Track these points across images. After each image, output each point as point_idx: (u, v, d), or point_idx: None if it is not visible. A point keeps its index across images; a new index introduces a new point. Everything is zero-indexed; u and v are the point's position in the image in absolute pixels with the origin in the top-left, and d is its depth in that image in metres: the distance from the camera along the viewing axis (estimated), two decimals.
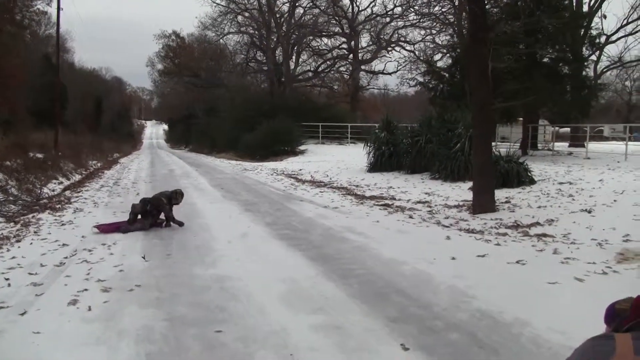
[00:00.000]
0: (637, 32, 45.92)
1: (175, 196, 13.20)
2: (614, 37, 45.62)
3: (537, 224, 12.09)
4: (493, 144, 15.60)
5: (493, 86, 15.17)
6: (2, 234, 12.53)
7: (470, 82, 16.84)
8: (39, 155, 29.21)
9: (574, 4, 34.37)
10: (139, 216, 12.64)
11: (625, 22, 45.61)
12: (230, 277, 8.27)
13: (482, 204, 13.88)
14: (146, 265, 9.27)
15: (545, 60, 27.54)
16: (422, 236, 11.43)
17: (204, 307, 6.95)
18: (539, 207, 13.94)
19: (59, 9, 39.07)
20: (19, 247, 10.88)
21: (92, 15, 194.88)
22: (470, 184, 16.55)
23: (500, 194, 15.27)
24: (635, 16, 44.92)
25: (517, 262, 8.82)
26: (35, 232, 12.64)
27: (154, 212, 12.83)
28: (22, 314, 6.79)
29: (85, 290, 7.73)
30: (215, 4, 62.66)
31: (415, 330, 6.10)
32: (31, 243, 11.37)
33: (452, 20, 46.69)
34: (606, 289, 7.08)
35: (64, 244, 10.94)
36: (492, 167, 14.82)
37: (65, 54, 70.08)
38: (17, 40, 43.82)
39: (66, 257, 9.87)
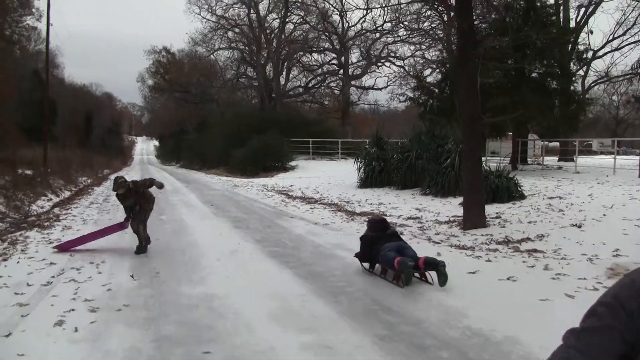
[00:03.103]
0: (623, 47, 46.56)
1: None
2: (600, 52, 46.39)
3: (528, 239, 12.05)
4: (483, 158, 15.59)
5: (482, 101, 15.14)
6: None
7: (460, 97, 16.84)
8: (28, 172, 29.10)
9: (562, 20, 34.66)
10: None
11: (611, 37, 46.41)
12: (218, 295, 8.20)
13: (473, 219, 13.84)
14: (135, 284, 9.17)
15: (534, 75, 27.66)
16: None
17: (192, 326, 6.87)
18: (530, 222, 13.90)
19: (48, 24, 39.08)
20: (5, 266, 10.76)
21: (82, 31, 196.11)
22: (460, 199, 16.50)
23: (490, 209, 15.23)
24: (620, 32, 45.57)
25: (508, 278, 8.77)
26: (22, 250, 12.51)
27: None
28: (7, 336, 6.68)
29: (72, 310, 7.63)
30: (205, 20, 63.20)
31: (405, 348, 6.03)
32: (18, 262, 11.24)
33: (441, 35, 46.73)
34: None
35: (51, 263, 10.83)
36: (482, 182, 14.78)
37: (55, 69, 70.32)
38: (6, 56, 43.78)
39: (53, 276, 9.77)
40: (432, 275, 8.63)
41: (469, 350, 5.94)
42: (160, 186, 12.49)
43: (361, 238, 10.06)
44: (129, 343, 6.35)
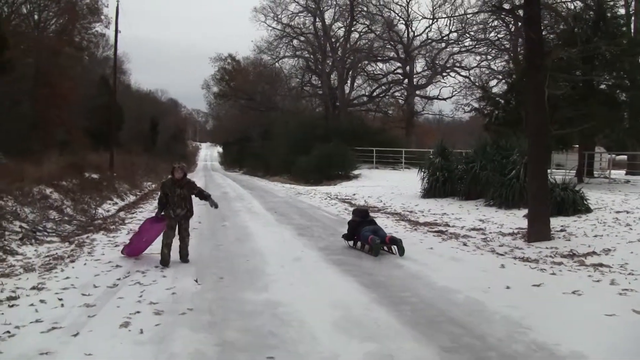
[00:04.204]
0: None
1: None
2: None
3: (594, 253, 11.85)
4: (548, 171, 15.37)
5: (549, 113, 14.96)
6: (56, 253, 12.70)
7: (526, 109, 16.67)
8: (95, 176, 29.60)
9: (632, 31, 33.92)
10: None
11: None
12: (282, 302, 8.24)
13: (537, 232, 13.66)
14: (198, 288, 9.27)
15: (602, 87, 27.16)
16: (476, 264, 11.27)
17: (256, 332, 6.93)
18: (595, 236, 13.68)
19: (116, 31, 39.74)
20: (73, 267, 10.99)
21: (148, 38, 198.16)
22: (525, 211, 16.32)
23: (555, 222, 15.01)
24: None
25: (573, 292, 8.65)
26: (89, 252, 12.77)
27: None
28: (75, 335, 6.84)
29: (138, 312, 7.76)
30: (271, 28, 63.30)
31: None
32: (85, 264, 11.48)
33: (507, 46, 46.62)
34: None
35: (117, 265, 11.02)
36: (548, 195, 14.60)
37: (122, 75, 71.28)
38: (75, 62, 44.62)
39: (119, 279, 9.94)
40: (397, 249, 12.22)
41: None
42: (215, 205, 12.20)
43: (348, 223, 13.79)
44: (193, 347, 6.43)
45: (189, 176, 12.94)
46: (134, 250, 12.11)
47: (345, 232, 13.88)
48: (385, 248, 12.52)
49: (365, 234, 12.64)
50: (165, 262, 11.13)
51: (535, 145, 14.05)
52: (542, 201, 13.90)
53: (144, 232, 12.05)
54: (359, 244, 13.16)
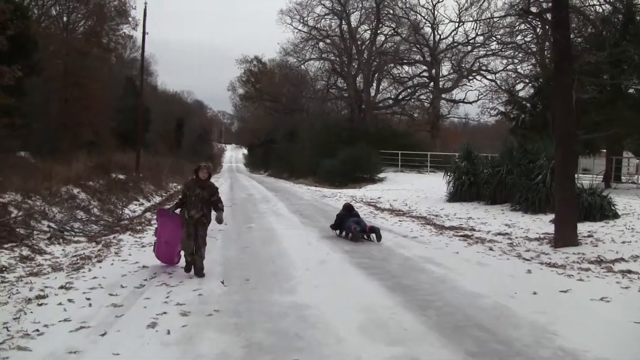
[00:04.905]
0: None
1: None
2: None
3: (622, 259, 11.75)
4: (575, 176, 15.26)
5: (576, 117, 14.86)
6: (84, 253, 12.81)
7: (553, 113, 16.57)
8: (121, 177, 29.76)
9: None
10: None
11: None
12: (308, 305, 8.27)
13: (564, 237, 13.57)
14: (225, 290, 9.33)
15: (631, 91, 26.98)
16: (502, 269, 11.23)
17: (282, 335, 6.96)
18: (623, 242, 13.58)
19: (144, 33, 39.84)
20: (100, 267, 11.08)
21: (175, 40, 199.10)
22: (551, 216, 16.22)
23: (582, 228, 14.90)
24: None
25: (601, 299, 8.59)
26: (116, 252, 12.89)
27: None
28: (103, 335, 6.91)
29: (165, 313, 7.82)
30: (297, 31, 63.37)
31: None
32: (112, 264, 11.58)
33: (534, 49, 46.28)
34: None
35: (144, 266, 11.10)
36: (575, 200, 14.50)
37: (148, 77, 71.63)
38: (102, 63, 44.90)
39: (146, 280, 10.02)
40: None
41: None
42: (220, 221, 11.04)
43: (337, 215, 16.40)
44: (219, 348, 6.48)
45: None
46: (161, 254, 11.46)
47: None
48: (366, 236, 15.07)
49: (349, 224, 15.24)
50: (189, 268, 10.63)
51: (562, 149, 13.97)
52: (569, 206, 13.81)
53: (161, 230, 11.36)
54: (344, 233, 15.69)
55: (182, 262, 11.00)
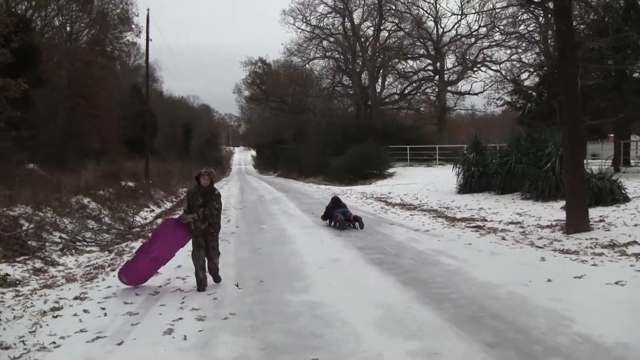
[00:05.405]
0: None
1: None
2: None
3: (635, 242, 11.69)
4: (584, 161, 15.20)
5: (582, 103, 14.78)
6: (97, 263, 12.84)
7: (559, 101, 16.51)
8: (131, 184, 29.83)
9: None
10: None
11: None
12: (323, 304, 8.27)
13: (576, 223, 13.53)
14: (239, 292, 9.33)
15: (635, 75, 26.87)
16: (516, 258, 11.20)
17: (298, 334, 6.96)
18: (635, 225, 13.51)
19: (147, 40, 39.80)
20: (114, 276, 11.02)
21: (177, 45, 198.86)
22: (562, 203, 16.15)
23: (593, 213, 14.84)
24: None
25: (616, 282, 8.56)
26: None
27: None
28: (119, 344, 6.91)
29: (180, 319, 7.82)
30: (300, 30, 63.37)
31: (514, 355, 5.96)
32: None
33: (538, 38, 46.23)
34: None
35: (157, 273, 11.07)
36: (585, 185, 14.44)
37: (154, 83, 71.71)
38: (107, 71, 44.97)
39: (160, 286, 10.01)
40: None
41: (580, 356, 5.82)
42: (190, 219, 9.84)
43: (326, 207, 18.14)
44: (237, 351, 6.48)
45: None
46: (132, 271, 10.17)
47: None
48: (351, 225, 16.75)
49: (335, 214, 17.10)
50: (201, 287, 9.73)
51: (569, 136, 13.92)
52: (579, 192, 13.77)
53: (157, 243, 10.21)
54: (332, 223, 17.39)
55: (192, 282, 10.06)
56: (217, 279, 10.17)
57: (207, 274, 9.98)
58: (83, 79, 39.00)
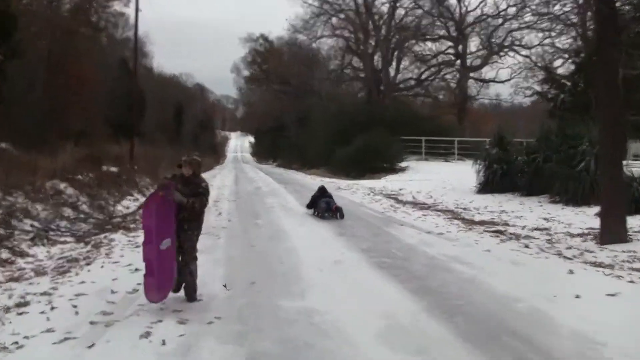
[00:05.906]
0: None
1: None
2: None
3: None
4: (624, 162, 15.09)
5: (624, 96, 14.69)
6: (71, 255, 12.81)
7: (597, 91, 16.41)
8: (113, 169, 29.67)
9: None
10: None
11: None
12: (320, 310, 8.22)
13: (612, 232, 13.40)
14: (228, 294, 9.28)
15: None
16: (540, 269, 11.15)
17: (290, 344, 6.92)
18: None
19: (137, 10, 39.79)
20: (88, 270, 11.04)
21: (172, 18, 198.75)
22: (596, 209, 16.08)
23: (633, 222, 14.71)
24: None
25: None
26: (106, 254, 12.86)
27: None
28: (90, 347, 6.87)
29: (160, 321, 7.78)
30: (307, 5, 63.04)
31: None
32: (102, 266, 11.57)
33: (575, 20, 45.99)
34: None
35: (137, 269, 10.93)
36: (624, 190, 14.33)
37: (143, 58, 71.65)
38: (92, 44, 44.84)
39: (139, 283, 9.81)
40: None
41: None
42: (180, 200, 8.69)
43: (312, 196, 20.54)
44: (220, 359, 6.42)
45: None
46: (159, 277, 8.58)
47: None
48: (333, 215, 18.72)
49: (320, 204, 19.35)
50: (176, 288, 8.93)
51: (607, 132, 13.82)
52: (617, 197, 13.66)
53: (152, 223, 8.60)
54: (316, 212, 19.60)
55: None
56: (190, 298, 8.96)
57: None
58: (65, 51, 38.93)
